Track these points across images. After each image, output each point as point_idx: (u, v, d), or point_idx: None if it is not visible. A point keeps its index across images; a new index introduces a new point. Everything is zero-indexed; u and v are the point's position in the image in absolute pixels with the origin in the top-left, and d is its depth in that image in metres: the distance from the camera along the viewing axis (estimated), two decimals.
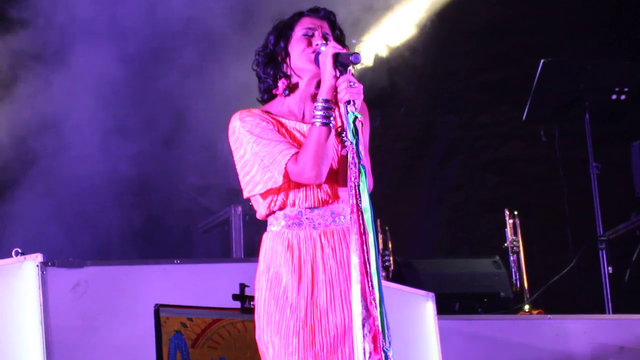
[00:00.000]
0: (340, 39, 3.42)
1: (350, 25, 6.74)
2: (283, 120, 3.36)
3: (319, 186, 3.30)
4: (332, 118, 3.22)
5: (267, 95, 3.43)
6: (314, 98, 3.37)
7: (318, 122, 3.21)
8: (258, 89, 3.46)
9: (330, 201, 3.32)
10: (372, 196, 3.10)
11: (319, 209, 3.32)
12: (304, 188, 3.29)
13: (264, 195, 3.31)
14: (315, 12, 3.44)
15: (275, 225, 3.33)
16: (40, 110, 6.53)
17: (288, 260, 3.26)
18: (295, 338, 3.19)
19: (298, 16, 3.43)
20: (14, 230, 6.42)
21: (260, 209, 3.36)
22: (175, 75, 6.81)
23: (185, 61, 6.84)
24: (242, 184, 3.35)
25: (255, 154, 3.28)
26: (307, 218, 3.31)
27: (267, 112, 3.37)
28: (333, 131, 3.24)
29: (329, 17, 3.44)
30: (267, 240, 3.35)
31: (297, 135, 3.34)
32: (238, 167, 3.35)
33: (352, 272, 3.05)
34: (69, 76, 6.52)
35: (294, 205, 3.30)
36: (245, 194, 3.34)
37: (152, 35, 6.56)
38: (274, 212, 3.33)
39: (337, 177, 3.33)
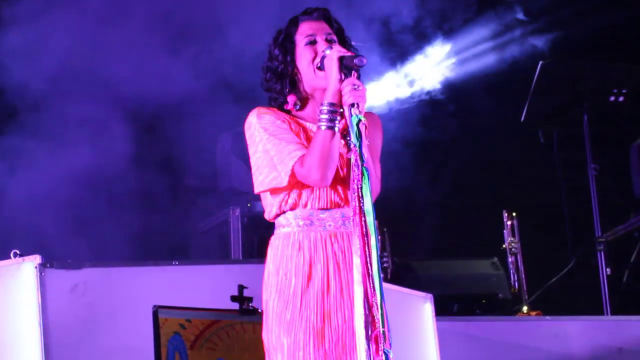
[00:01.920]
0: (340, 33, 3.39)
1: None
2: (300, 121, 3.35)
3: (332, 188, 3.28)
4: (337, 122, 3.20)
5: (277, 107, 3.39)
6: None
7: (323, 125, 3.20)
8: (268, 99, 3.42)
9: (341, 204, 3.31)
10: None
11: (329, 211, 3.30)
12: (317, 189, 3.28)
13: (275, 193, 3.29)
14: (309, 15, 3.39)
15: (286, 227, 3.30)
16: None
17: (299, 262, 3.25)
18: (305, 338, 3.18)
19: (294, 24, 3.38)
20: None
21: (271, 208, 3.34)
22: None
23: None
24: (253, 180, 3.33)
25: (266, 151, 3.27)
26: (318, 219, 3.29)
27: (286, 112, 3.36)
28: (339, 134, 3.22)
29: (325, 16, 3.40)
30: (276, 241, 3.32)
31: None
32: (252, 164, 3.33)
33: (354, 274, 3.04)
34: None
35: (305, 206, 3.29)
36: (255, 191, 3.33)
37: None
38: (284, 212, 3.31)
39: (348, 180, 3.32)
